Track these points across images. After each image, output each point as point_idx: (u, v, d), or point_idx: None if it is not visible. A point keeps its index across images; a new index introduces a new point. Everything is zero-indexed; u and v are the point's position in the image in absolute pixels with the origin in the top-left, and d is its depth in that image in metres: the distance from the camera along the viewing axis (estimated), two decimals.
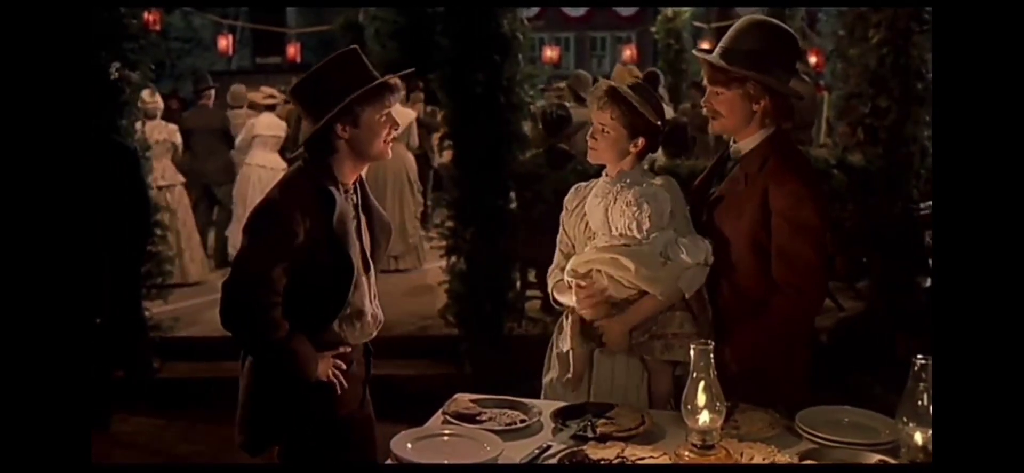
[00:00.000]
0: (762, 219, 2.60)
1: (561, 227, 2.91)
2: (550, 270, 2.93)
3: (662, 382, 2.69)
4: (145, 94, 7.56)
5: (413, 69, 3.02)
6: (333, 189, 2.60)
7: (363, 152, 2.64)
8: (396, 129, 2.70)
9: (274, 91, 9.12)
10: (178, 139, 7.85)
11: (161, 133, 7.70)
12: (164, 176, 7.69)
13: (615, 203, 2.64)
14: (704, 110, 2.76)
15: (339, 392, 2.66)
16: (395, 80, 2.67)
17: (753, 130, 2.67)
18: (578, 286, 2.67)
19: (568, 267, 2.71)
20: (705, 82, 2.73)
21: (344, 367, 2.67)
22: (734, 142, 2.75)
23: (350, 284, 2.62)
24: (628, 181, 2.68)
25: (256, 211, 2.62)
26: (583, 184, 2.89)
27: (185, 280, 7.72)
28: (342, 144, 2.61)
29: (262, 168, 8.21)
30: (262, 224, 2.57)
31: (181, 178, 7.89)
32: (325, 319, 2.64)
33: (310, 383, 2.60)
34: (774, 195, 2.58)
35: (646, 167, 2.84)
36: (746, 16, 2.76)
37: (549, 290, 2.92)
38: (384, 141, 2.65)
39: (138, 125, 7.49)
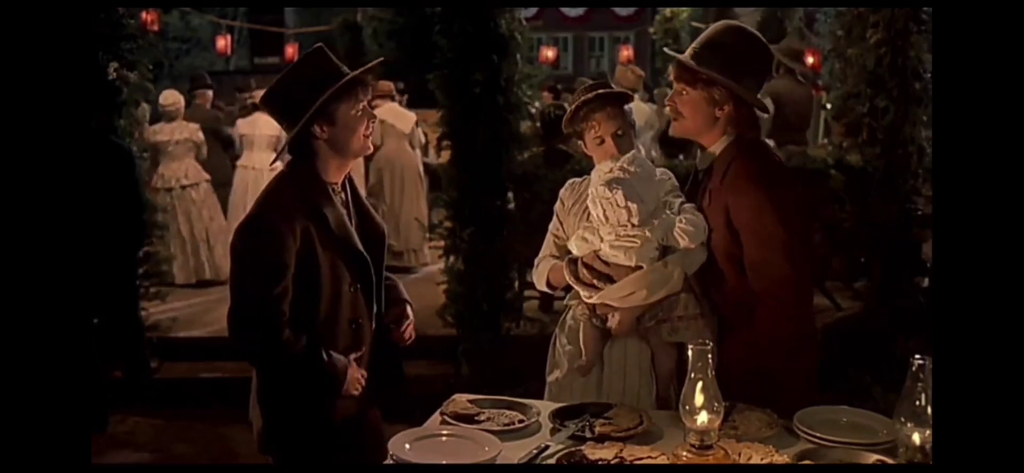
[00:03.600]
0: (730, 234, 2.57)
1: (556, 219, 2.91)
2: (538, 260, 2.93)
3: (666, 361, 2.70)
4: (163, 96, 7.60)
5: (383, 59, 2.99)
6: (321, 196, 2.59)
7: (344, 149, 2.62)
8: (373, 122, 2.67)
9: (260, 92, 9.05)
10: (200, 137, 7.84)
11: (182, 133, 7.70)
12: (187, 175, 7.70)
13: (609, 203, 2.63)
14: (667, 109, 2.73)
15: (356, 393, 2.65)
16: (366, 74, 2.64)
17: (716, 136, 2.64)
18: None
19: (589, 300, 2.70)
20: (672, 79, 2.69)
21: (365, 376, 2.68)
22: (700, 152, 2.71)
23: (369, 277, 2.65)
24: (622, 172, 2.67)
25: (240, 230, 2.59)
26: (578, 180, 2.91)
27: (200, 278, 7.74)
28: (322, 145, 2.59)
29: (246, 169, 8.17)
30: (247, 244, 2.55)
31: (205, 176, 7.86)
32: (360, 319, 2.67)
33: (341, 392, 2.60)
34: (735, 209, 2.54)
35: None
36: (722, 20, 2.73)
37: (539, 281, 2.93)
38: (363, 136, 2.62)
39: (158, 125, 7.56)
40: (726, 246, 2.58)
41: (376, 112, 2.73)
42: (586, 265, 2.68)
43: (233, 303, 2.55)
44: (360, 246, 2.65)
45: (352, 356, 2.66)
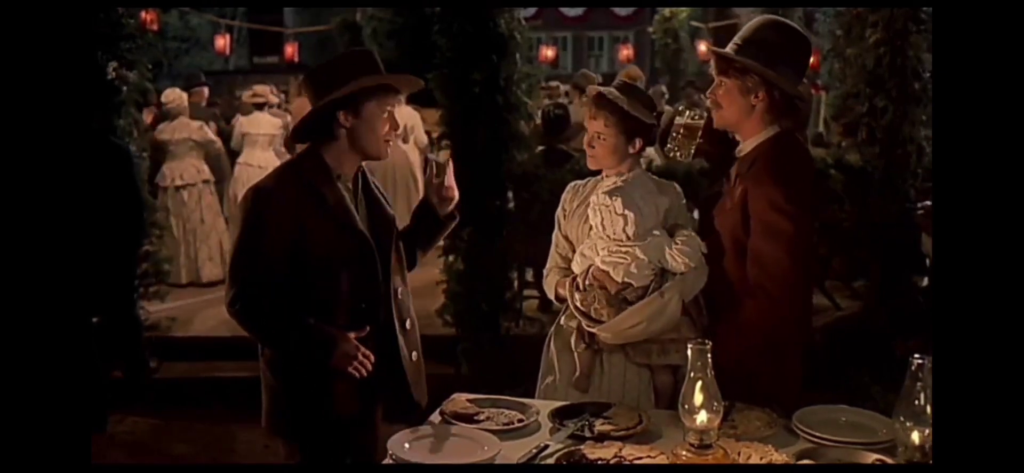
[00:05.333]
0: (742, 220, 2.60)
1: (557, 229, 2.90)
2: (546, 271, 2.93)
3: (663, 377, 2.69)
4: (164, 94, 7.60)
5: (422, 83, 3.05)
6: (322, 180, 2.64)
7: (362, 145, 2.67)
8: (396, 130, 2.73)
9: (266, 90, 9.03)
10: (205, 136, 7.83)
11: (182, 132, 7.69)
12: (183, 176, 7.67)
13: (607, 211, 2.63)
14: (708, 102, 2.75)
15: (360, 376, 2.64)
16: (402, 82, 2.75)
17: (756, 128, 2.66)
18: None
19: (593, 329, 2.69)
20: (713, 73, 2.73)
21: (371, 359, 2.64)
22: (741, 142, 2.73)
23: (372, 260, 2.67)
24: (623, 183, 2.67)
25: (243, 198, 2.68)
26: (581, 183, 2.89)
27: (199, 280, 7.74)
28: (343, 132, 2.65)
29: (250, 167, 8.14)
30: (244, 208, 2.63)
31: (204, 177, 7.83)
32: (362, 303, 2.67)
33: (330, 368, 2.61)
34: (751, 198, 2.58)
35: (644, 166, 2.84)
36: (763, 15, 2.77)
37: (549, 292, 2.92)
38: (383, 139, 2.69)
39: (162, 124, 7.54)
40: (734, 233, 2.61)
41: None
42: (578, 288, 2.67)
43: (229, 266, 2.65)
44: (361, 226, 2.68)
45: (353, 335, 2.64)
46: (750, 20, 2.77)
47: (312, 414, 2.68)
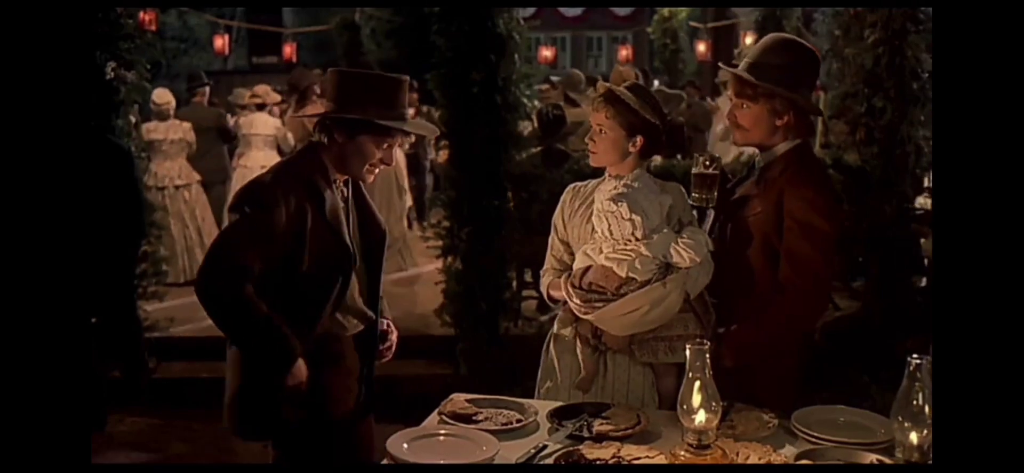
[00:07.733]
0: (775, 220, 2.64)
1: (554, 230, 2.88)
2: (542, 273, 2.92)
3: (668, 380, 2.68)
4: (156, 94, 7.64)
5: (438, 132, 3.06)
6: (322, 181, 2.65)
7: (345, 165, 2.70)
8: (389, 164, 2.76)
9: (266, 89, 9.04)
10: (193, 137, 7.87)
11: (177, 132, 7.74)
12: (180, 175, 7.74)
13: (614, 217, 2.63)
14: (726, 122, 2.80)
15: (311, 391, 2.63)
16: (412, 129, 2.78)
17: (778, 141, 2.73)
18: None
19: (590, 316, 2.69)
20: (730, 96, 2.80)
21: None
22: (759, 152, 2.79)
23: (350, 271, 2.67)
24: (625, 188, 2.66)
25: (242, 190, 2.67)
26: (581, 184, 2.88)
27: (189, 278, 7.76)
28: (334, 145, 2.67)
29: (243, 168, 8.14)
30: (246, 200, 2.61)
31: (196, 177, 7.92)
32: (322, 306, 2.66)
33: (288, 370, 2.58)
34: (789, 198, 2.62)
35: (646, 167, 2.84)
36: (773, 33, 2.84)
37: (543, 291, 2.92)
38: (369, 168, 2.70)
39: (152, 123, 7.59)
40: (765, 232, 2.65)
41: None
42: (574, 286, 2.67)
43: (210, 248, 2.66)
44: (348, 239, 2.68)
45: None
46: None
47: (275, 400, 2.65)
